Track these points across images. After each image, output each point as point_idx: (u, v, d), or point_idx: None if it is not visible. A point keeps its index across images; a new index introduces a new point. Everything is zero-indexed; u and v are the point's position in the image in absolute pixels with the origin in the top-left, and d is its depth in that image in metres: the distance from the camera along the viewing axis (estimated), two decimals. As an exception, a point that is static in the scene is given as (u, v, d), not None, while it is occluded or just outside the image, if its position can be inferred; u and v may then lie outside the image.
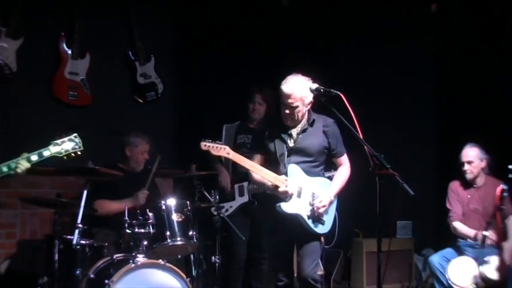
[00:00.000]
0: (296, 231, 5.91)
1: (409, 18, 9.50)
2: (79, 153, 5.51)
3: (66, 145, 5.44)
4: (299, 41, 9.00)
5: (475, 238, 7.25)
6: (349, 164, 6.15)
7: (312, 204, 5.87)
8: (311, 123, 5.98)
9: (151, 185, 7.19)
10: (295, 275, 6.27)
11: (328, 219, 5.99)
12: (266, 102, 7.65)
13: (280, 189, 5.74)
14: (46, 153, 5.35)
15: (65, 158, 5.45)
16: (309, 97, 5.84)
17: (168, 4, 8.68)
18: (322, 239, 6.12)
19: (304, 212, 5.84)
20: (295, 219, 5.84)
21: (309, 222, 5.86)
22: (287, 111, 5.82)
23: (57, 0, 7.83)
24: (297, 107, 5.80)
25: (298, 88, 5.77)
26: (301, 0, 9.14)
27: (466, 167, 7.46)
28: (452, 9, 9.35)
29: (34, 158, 5.30)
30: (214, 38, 8.69)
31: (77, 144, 5.48)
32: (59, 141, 5.42)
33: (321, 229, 5.95)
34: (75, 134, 5.51)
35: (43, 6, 7.62)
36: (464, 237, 7.41)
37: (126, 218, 6.42)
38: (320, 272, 7.11)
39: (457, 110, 9.33)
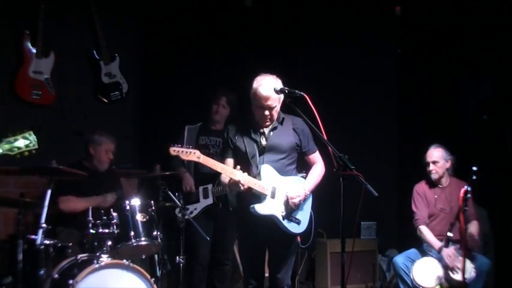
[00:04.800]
0: (269, 233, 5.86)
1: (372, 19, 9.58)
2: (33, 151, 5.10)
3: (19, 143, 5.03)
4: (262, 42, 9.02)
5: (439, 251, 7.27)
6: (323, 162, 6.12)
7: (286, 203, 5.83)
8: (281, 121, 5.98)
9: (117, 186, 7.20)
10: (267, 275, 6.25)
11: (304, 218, 5.95)
12: (230, 106, 7.67)
13: (243, 187, 5.67)
14: None
15: (18, 156, 5.04)
16: (282, 95, 5.85)
17: (132, 4, 8.63)
18: (299, 238, 6.11)
19: (279, 212, 5.80)
20: (270, 220, 5.79)
21: (284, 222, 5.81)
22: (266, 113, 5.82)
23: (21, -1, 7.78)
24: (275, 107, 5.83)
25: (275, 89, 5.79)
26: (264, 0, 9.16)
27: (431, 167, 7.53)
28: (414, 12, 9.44)
29: None
30: (177, 38, 8.70)
31: (31, 142, 5.06)
32: (11, 138, 5.03)
33: (297, 229, 5.91)
34: (30, 132, 5.12)
35: (6, 5, 7.55)
36: (428, 244, 7.45)
37: (90, 218, 6.39)
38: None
39: (419, 111, 9.42)
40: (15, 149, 5.01)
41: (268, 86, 5.75)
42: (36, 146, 5.09)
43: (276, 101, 5.79)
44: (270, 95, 5.75)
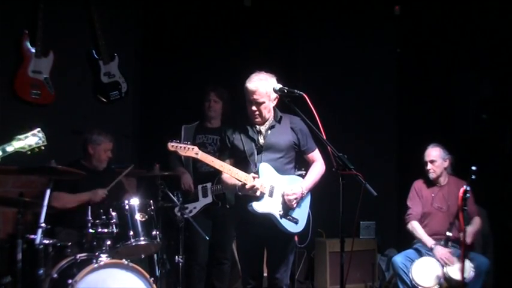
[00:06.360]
0: (267, 232, 5.83)
1: (372, 19, 9.58)
2: (43, 148, 5.40)
3: (30, 140, 5.31)
4: (261, 41, 9.02)
5: (430, 249, 7.28)
6: (322, 160, 6.08)
7: (284, 202, 5.80)
8: (278, 120, 5.96)
9: (114, 186, 7.17)
10: (265, 274, 6.23)
11: (302, 217, 5.90)
12: (221, 100, 7.72)
13: (247, 186, 5.65)
14: (9, 148, 5.22)
15: (29, 153, 5.33)
16: (274, 93, 5.82)
17: (131, 3, 8.62)
18: (296, 238, 6.10)
19: (277, 211, 5.76)
20: (267, 219, 5.76)
21: (282, 221, 5.77)
22: (253, 108, 5.79)
23: (20, -1, 7.77)
24: (263, 102, 5.78)
25: (263, 84, 5.75)
26: (264, 0, 9.15)
27: (429, 166, 7.53)
28: (414, 11, 9.44)
29: None
30: (176, 38, 8.70)
31: (40, 139, 5.37)
32: (22, 136, 5.30)
33: (294, 228, 5.86)
34: (38, 129, 5.40)
35: (6, 4, 7.54)
36: (419, 240, 7.47)
37: (89, 218, 6.40)
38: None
39: (419, 111, 9.42)
40: (27, 146, 5.31)
41: (255, 81, 5.76)
42: (46, 143, 5.41)
43: (263, 96, 5.77)
44: (255, 89, 5.73)
